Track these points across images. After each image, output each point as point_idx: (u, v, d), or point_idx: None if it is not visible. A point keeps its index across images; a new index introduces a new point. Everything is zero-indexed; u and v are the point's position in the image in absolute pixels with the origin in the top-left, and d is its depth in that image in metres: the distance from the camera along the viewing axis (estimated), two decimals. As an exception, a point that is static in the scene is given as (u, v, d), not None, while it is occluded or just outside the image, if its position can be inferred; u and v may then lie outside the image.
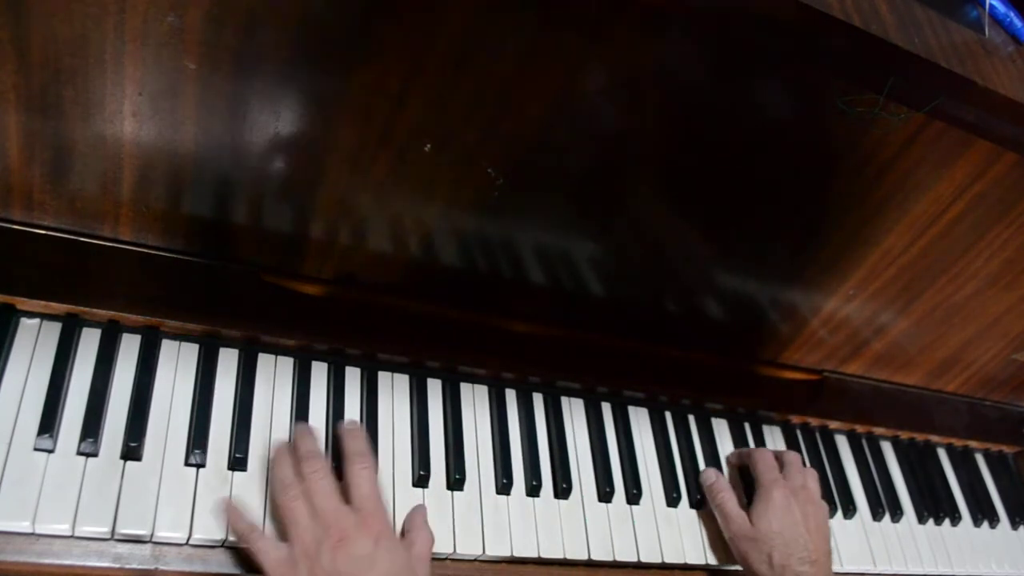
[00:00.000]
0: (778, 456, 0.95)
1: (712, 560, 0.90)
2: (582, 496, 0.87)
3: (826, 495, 1.02)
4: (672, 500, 0.91)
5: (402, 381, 0.85)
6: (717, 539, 0.92)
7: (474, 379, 0.88)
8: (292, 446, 0.73)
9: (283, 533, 0.69)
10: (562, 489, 0.86)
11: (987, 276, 0.99)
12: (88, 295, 0.73)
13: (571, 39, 0.66)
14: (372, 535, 0.67)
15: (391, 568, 0.67)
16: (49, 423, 0.67)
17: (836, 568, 0.97)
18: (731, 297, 0.96)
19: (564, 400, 0.92)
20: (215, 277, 0.77)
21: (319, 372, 0.81)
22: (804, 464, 0.95)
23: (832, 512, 1.02)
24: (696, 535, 0.91)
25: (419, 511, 0.77)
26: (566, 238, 0.84)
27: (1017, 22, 0.81)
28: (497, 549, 0.79)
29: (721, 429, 1.01)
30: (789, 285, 0.96)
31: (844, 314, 1.01)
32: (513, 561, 0.81)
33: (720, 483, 0.92)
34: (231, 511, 0.70)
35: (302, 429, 0.75)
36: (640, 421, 0.96)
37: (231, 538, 0.69)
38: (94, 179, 0.69)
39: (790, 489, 0.88)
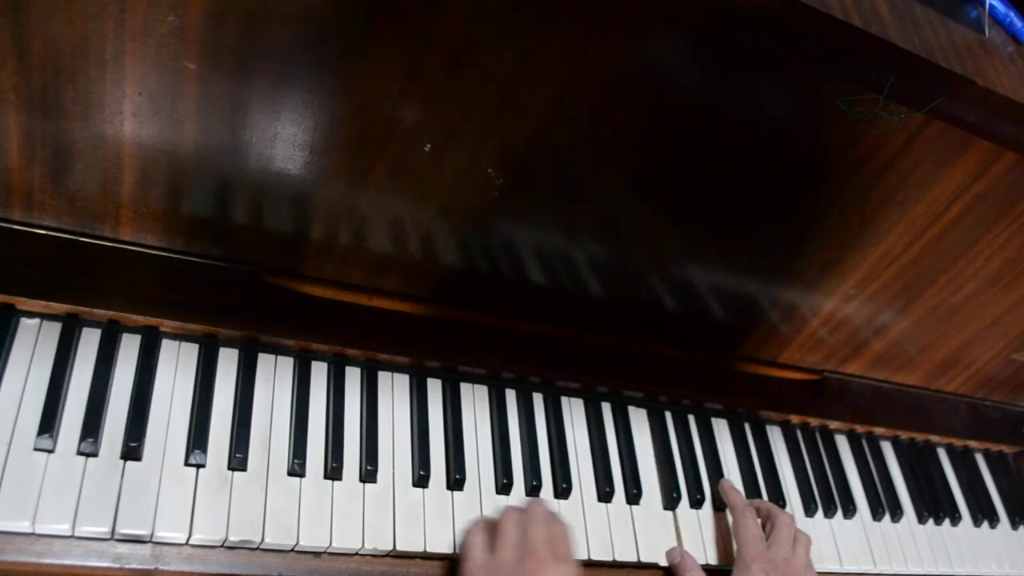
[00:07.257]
0: (768, 513, 0.90)
1: (712, 560, 0.90)
2: (582, 496, 0.87)
3: (826, 495, 1.03)
4: (672, 501, 0.91)
5: (402, 381, 0.85)
6: (716, 539, 0.92)
7: (474, 379, 0.88)
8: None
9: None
10: (562, 489, 0.86)
11: (987, 276, 0.99)
12: (88, 295, 0.73)
13: (571, 39, 0.66)
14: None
15: None
16: (49, 423, 0.67)
17: (836, 568, 0.98)
18: (731, 297, 0.96)
19: (564, 400, 0.92)
20: (215, 277, 0.77)
21: (319, 372, 0.81)
22: (793, 524, 0.89)
23: (832, 512, 1.02)
24: (696, 535, 0.91)
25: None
26: (566, 238, 0.84)
27: (1017, 22, 0.81)
28: (497, 549, 0.79)
29: (721, 429, 1.01)
30: (789, 285, 0.96)
31: (844, 314, 1.01)
32: (513, 561, 0.81)
33: (687, 562, 0.86)
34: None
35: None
36: (640, 421, 0.96)
37: (232, 538, 0.69)
38: (94, 179, 0.69)
39: (772, 564, 0.83)
